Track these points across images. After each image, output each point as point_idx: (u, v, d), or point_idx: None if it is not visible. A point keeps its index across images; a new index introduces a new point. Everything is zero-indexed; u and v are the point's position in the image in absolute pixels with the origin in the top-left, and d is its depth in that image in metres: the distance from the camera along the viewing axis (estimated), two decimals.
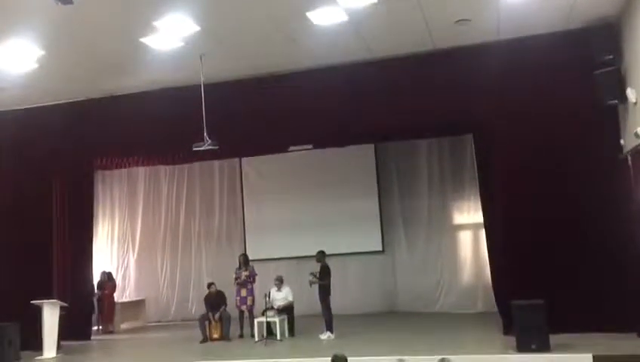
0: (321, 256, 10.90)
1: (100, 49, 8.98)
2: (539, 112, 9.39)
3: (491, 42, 9.51)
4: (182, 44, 8.83)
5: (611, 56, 8.86)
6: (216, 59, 9.55)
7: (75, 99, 11.36)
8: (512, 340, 8.48)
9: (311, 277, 10.73)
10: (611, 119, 9.18)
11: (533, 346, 8.10)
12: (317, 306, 10.92)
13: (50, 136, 11.56)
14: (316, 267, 10.85)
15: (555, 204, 9.25)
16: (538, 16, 8.68)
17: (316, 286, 10.71)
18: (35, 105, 11.51)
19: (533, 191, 9.38)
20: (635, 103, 8.32)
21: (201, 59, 9.43)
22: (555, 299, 8.48)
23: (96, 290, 13.62)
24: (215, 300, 11.49)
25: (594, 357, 7.56)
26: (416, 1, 7.99)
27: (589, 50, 8.98)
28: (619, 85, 8.71)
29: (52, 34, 8.26)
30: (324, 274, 10.70)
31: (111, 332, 13.59)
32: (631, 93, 8.38)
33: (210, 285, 11.81)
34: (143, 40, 8.63)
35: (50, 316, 10.77)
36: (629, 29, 8.54)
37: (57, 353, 10.67)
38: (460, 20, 8.78)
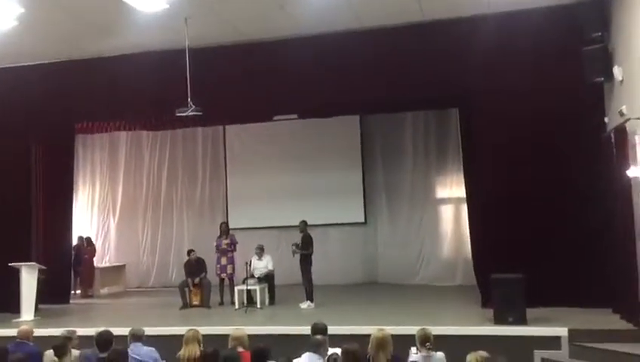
0: (303, 225, 10.91)
1: (83, 8, 8.75)
2: (525, 88, 9.36)
3: (481, 15, 9.42)
4: (166, 6, 8.61)
5: (599, 34, 8.82)
6: (202, 23, 9.37)
7: (56, 60, 11.09)
8: (489, 313, 8.58)
9: (293, 248, 10.74)
10: (597, 97, 9.20)
11: (510, 319, 8.20)
12: (297, 275, 10.96)
13: (29, 97, 11.28)
14: (299, 237, 10.86)
15: (537, 180, 9.30)
16: None
17: (298, 256, 10.74)
18: (13, 65, 11.21)
19: (516, 166, 9.41)
20: (622, 81, 8.31)
21: (186, 22, 9.24)
22: (534, 273, 8.55)
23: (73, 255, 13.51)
24: (195, 267, 11.49)
25: (569, 330, 7.66)
26: None
27: (578, 26, 8.94)
28: (606, 63, 8.67)
29: None
30: (306, 244, 10.72)
31: (90, 297, 13.56)
32: (617, 71, 8.37)
33: (189, 252, 11.79)
34: (126, 0, 8.41)
35: (28, 279, 10.70)
36: (618, 6, 8.50)
37: (35, 316, 10.62)
38: None
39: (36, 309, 10.81)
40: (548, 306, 8.81)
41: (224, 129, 14.77)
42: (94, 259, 14.34)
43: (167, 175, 15.40)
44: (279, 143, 14.18)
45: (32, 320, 10.10)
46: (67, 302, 12.38)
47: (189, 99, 9.41)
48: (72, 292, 13.36)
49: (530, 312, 8.31)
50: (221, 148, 14.97)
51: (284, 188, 13.94)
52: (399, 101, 12.01)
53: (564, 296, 8.89)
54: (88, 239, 14.41)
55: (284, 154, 14.09)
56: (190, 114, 9.49)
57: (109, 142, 15.72)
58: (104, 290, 14.07)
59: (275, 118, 13.89)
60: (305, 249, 10.70)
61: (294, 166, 13.97)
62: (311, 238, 10.82)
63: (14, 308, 10.67)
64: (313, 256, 10.83)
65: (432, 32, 9.80)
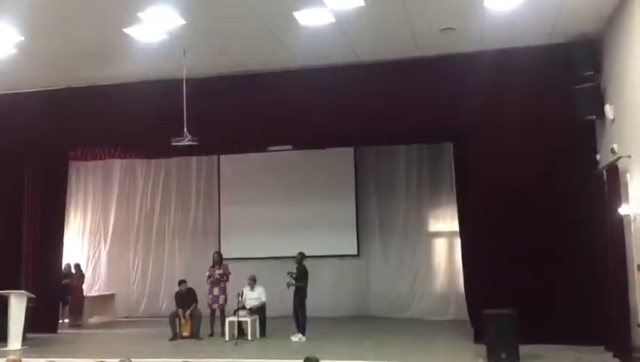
0: (300, 257, 10.88)
1: (82, 37, 8.81)
2: (518, 124, 9.47)
3: (475, 52, 9.57)
4: (166, 37, 8.74)
5: (591, 72, 8.99)
6: (200, 55, 9.47)
7: (54, 87, 11.14)
8: (482, 349, 8.52)
9: (288, 278, 10.68)
10: (589, 134, 9.32)
11: (503, 355, 8.16)
12: (289, 307, 10.88)
13: (25, 124, 11.31)
14: (293, 268, 10.81)
15: (530, 217, 9.35)
16: (522, 28, 8.76)
17: (292, 288, 10.67)
18: (11, 92, 11.26)
19: (509, 202, 9.45)
20: (613, 120, 8.44)
21: (184, 53, 9.34)
22: (527, 309, 8.53)
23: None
24: (185, 298, 11.39)
25: None
26: (403, 7, 8.01)
27: (570, 64, 9.10)
28: (598, 101, 8.82)
29: (33, 19, 8.10)
30: (302, 276, 10.67)
31: (79, 326, 13.35)
32: (609, 110, 8.51)
33: (180, 283, 11.69)
34: (126, 30, 8.51)
35: (17, 307, 10.56)
36: (609, 46, 8.67)
37: (22, 345, 10.45)
38: (445, 29, 8.82)
39: (24, 338, 10.63)
40: (540, 343, 8.77)
41: (218, 158, 14.79)
42: (84, 286, 14.18)
43: (160, 203, 15.35)
44: (273, 174, 14.20)
45: (19, 349, 9.96)
46: (55, 331, 12.20)
47: (184, 129, 9.45)
48: (60, 321, 13.16)
49: (523, 349, 8.26)
50: (215, 177, 14.97)
51: (277, 219, 13.92)
52: (394, 135, 12.10)
53: (556, 332, 8.85)
54: (77, 266, 14.22)
55: (278, 185, 14.10)
56: (186, 143, 9.50)
57: (103, 169, 15.69)
58: (93, 319, 13.89)
59: (270, 148, 13.95)
60: (300, 281, 10.64)
61: (288, 197, 13.98)
62: (306, 271, 10.78)
63: (2, 336, 10.49)
64: (307, 289, 10.76)
65: (427, 68, 9.92)
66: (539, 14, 8.34)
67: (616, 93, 8.35)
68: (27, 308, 10.66)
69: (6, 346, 10.30)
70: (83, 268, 14.67)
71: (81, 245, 15.60)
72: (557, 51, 9.31)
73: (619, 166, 7.96)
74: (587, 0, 7.93)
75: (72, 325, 13.40)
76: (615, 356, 8.17)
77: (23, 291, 10.81)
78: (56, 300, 12.68)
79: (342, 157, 13.92)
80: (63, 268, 13.60)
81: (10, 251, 11.40)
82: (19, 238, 11.65)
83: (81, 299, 13.76)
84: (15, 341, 10.42)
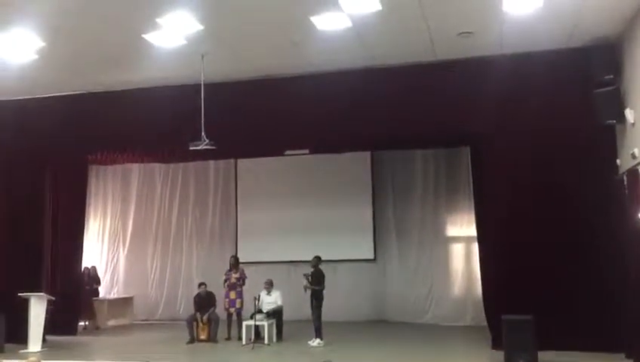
0: (316, 261, 10.85)
1: (102, 43, 8.92)
2: (537, 128, 9.39)
3: (493, 56, 9.52)
4: (184, 42, 8.79)
5: (611, 76, 8.87)
6: (218, 60, 9.53)
7: (74, 93, 11.29)
8: (500, 355, 8.46)
9: (305, 282, 10.66)
10: (609, 139, 9.21)
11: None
12: (306, 311, 10.87)
13: (46, 128, 11.45)
14: (309, 271, 10.79)
15: (549, 222, 9.25)
16: (541, 32, 8.70)
17: (308, 291, 10.66)
18: (32, 97, 11.42)
19: (527, 207, 9.38)
20: (633, 124, 8.34)
21: (202, 58, 9.40)
22: (545, 315, 8.47)
23: None
24: (204, 301, 11.44)
25: None
26: (421, 11, 7.99)
27: (590, 68, 9.01)
28: (618, 105, 8.72)
29: (53, 26, 8.22)
30: (318, 280, 10.65)
31: (97, 329, 13.44)
32: (629, 114, 8.41)
33: (200, 285, 11.75)
34: (145, 36, 8.59)
35: (37, 309, 10.67)
36: (629, 50, 8.57)
37: (42, 347, 10.56)
38: (463, 33, 8.78)
39: (44, 340, 10.75)
40: (559, 349, 8.67)
41: (236, 163, 14.87)
42: (99, 289, 14.26)
43: (178, 207, 15.46)
44: (290, 178, 14.24)
45: (39, 352, 10.06)
46: (74, 333, 12.32)
47: (202, 133, 9.51)
48: (82, 324, 13.26)
49: (542, 355, 8.18)
50: (232, 181, 15.04)
51: (294, 223, 13.95)
52: (411, 138, 12.07)
53: (575, 339, 8.72)
54: (93, 268, 14.26)
55: (295, 189, 14.13)
56: (203, 147, 9.57)
57: (122, 173, 15.85)
58: (111, 322, 13.98)
59: (287, 152, 13.99)
60: (316, 284, 10.63)
61: (305, 201, 14.00)
62: (323, 274, 10.76)
63: (22, 338, 10.61)
64: (324, 292, 10.76)
65: (444, 72, 9.89)
66: (557, 18, 8.27)
67: (637, 97, 8.25)
68: (47, 311, 10.77)
69: (26, 348, 10.42)
70: (101, 271, 14.78)
71: (100, 248, 15.74)
72: (576, 55, 9.23)
73: (639, 170, 7.85)
74: (606, 2, 7.85)
75: (91, 328, 13.47)
76: None
77: (43, 293, 10.93)
78: (76, 303, 12.71)
79: (359, 162, 13.91)
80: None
81: (31, 253, 11.51)
82: (40, 241, 11.77)
83: (91, 302, 13.71)
84: (35, 343, 10.52)
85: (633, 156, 8.09)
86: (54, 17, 7.92)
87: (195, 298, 11.70)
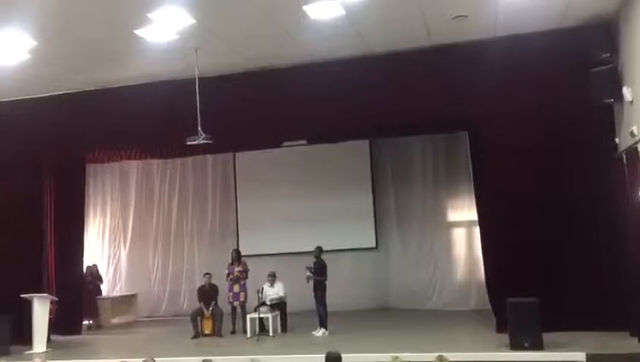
0: (318, 251, 10.85)
1: (94, 40, 8.85)
2: (534, 110, 9.35)
3: (488, 39, 9.46)
4: (176, 37, 8.73)
5: (608, 55, 8.82)
6: (212, 53, 9.46)
7: (68, 91, 11.22)
8: (505, 338, 8.47)
9: (307, 272, 10.66)
10: (607, 118, 9.18)
11: (527, 344, 8.10)
12: (310, 302, 10.89)
13: (42, 128, 11.37)
14: (311, 263, 10.79)
15: (549, 203, 9.24)
16: (535, 13, 8.64)
17: (311, 282, 10.66)
18: (26, 97, 11.35)
19: (527, 189, 9.35)
20: (631, 102, 8.30)
21: (196, 52, 9.34)
22: (549, 297, 8.47)
23: None
24: (209, 292, 11.44)
25: (587, 355, 7.55)
26: None
27: (586, 48, 8.96)
28: (615, 84, 8.66)
29: (45, 24, 8.14)
30: (321, 270, 10.66)
31: (101, 327, 13.43)
32: (627, 92, 8.36)
33: (205, 274, 11.75)
34: (137, 32, 8.52)
35: (41, 310, 10.68)
36: (625, 27, 8.52)
37: (47, 347, 10.58)
38: (457, 17, 8.72)
39: (48, 340, 10.75)
40: (563, 330, 8.68)
41: (234, 156, 14.82)
42: (102, 287, 14.27)
43: (177, 203, 15.44)
44: (289, 169, 14.19)
45: (44, 352, 10.07)
46: (78, 333, 12.33)
47: (199, 128, 9.47)
48: (86, 322, 13.26)
49: (546, 337, 8.19)
50: (231, 175, 15.00)
51: (294, 214, 13.93)
52: (408, 125, 12.02)
53: (580, 319, 8.74)
54: (95, 267, 14.21)
55: (294, 180, 14.08)
56: (200, 142, 9.54)
57: (120, 171, 15.81)
58: (115, 320, 13.96)
59: (285, 144, 13.94)
60: (319, 275, 10.63)
61: (304, 192, 13.97)
62: (325, 265, 10.76)
63: (26, 339, 10.63)
64: (325, 283, 10.75)
65: (439, 57, 9.83)
66: None
67: (635, 75, 8.20)
68: (50, 311, 10.78)
69: (31, 349, 10.42)
70: (103, 269, 14.77)
71: (101, 247, 15.73)
72: (572, 34, 9.17)
73: (639, 149, 7.82)
74: None
75: (95, 326, 13.48)
76: None
77: (45, 294, 10.92)
78: (79, 302, 12.72)
79: (357, 150, 13.87)
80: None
81: (31, 254, 11.49)
82: (40, 242, 11.75)
83: (95, 301, 13.70)
84: (40, 344, 10.54)
85: (632, 134, 8.06)
86: (45, 16, 7.84)
87: (199, 289, 11.71)
